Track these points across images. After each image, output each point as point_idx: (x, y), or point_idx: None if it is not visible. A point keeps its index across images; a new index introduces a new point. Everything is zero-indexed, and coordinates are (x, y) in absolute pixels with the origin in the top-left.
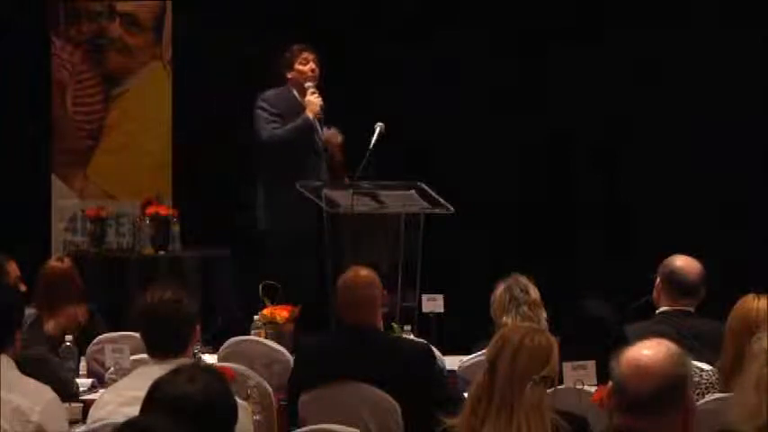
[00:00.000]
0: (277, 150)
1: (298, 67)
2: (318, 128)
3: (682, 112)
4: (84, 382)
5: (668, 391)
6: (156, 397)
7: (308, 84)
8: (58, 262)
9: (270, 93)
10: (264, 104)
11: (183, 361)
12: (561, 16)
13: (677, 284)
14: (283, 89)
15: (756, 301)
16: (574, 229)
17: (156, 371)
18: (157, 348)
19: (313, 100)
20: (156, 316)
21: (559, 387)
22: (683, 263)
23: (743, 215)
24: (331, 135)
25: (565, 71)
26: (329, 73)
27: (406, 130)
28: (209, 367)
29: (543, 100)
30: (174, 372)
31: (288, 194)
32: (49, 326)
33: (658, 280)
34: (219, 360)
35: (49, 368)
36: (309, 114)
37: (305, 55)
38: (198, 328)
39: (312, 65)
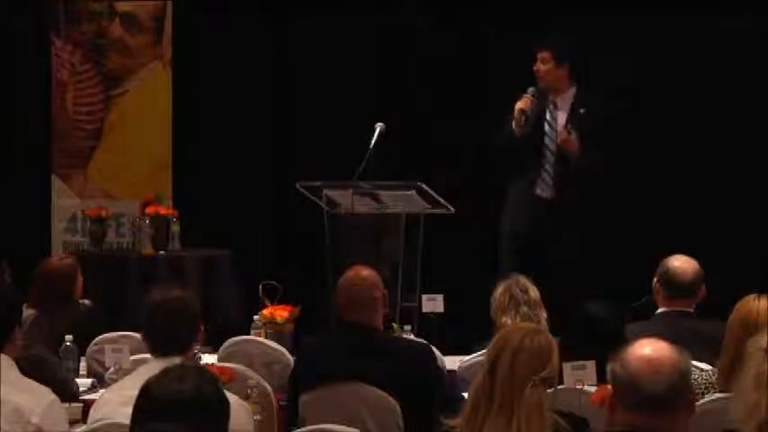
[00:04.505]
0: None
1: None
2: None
3: (682, 112)
4: (84, 382)
5: (681, 384)
6: (147, 398)
7: (531, 88)
8: (58, 260)
9: None
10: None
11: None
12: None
13: (672, 285)
14: None
15: (756, 301)
16: (573, 229)
17: (158, 369)
18: (160, 346)
19: (516, 105)
20: (160, 314)
21: (559, 387)
22: (678, 263)
23: (743, 215)
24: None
25: None
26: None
27: (406, 129)
28: (198, 365)
29: None
30: (163, 372)
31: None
32: (48, 325)
33: (655, 280)
34: (219, 360)
35: (48, 368)
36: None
37: (537, 55)
38: (201, 328)
39: (537, 65)
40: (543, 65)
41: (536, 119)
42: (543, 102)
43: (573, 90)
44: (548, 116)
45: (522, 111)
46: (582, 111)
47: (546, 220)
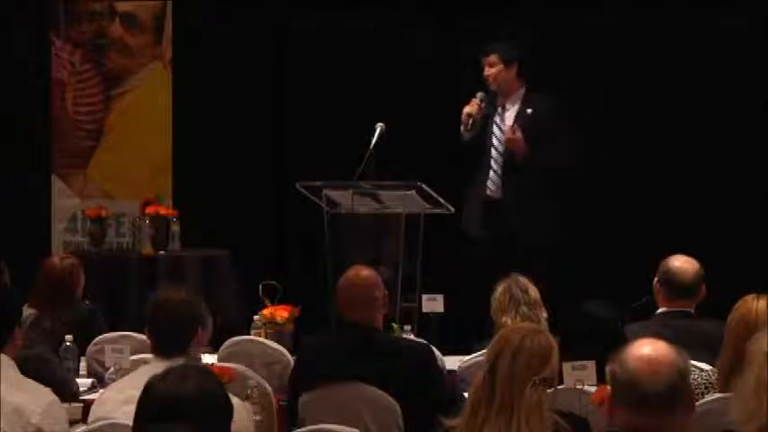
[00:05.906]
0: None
1: None
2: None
3: (681, 112)
4: (84, 382)
5: (680, 383)
6: (150, 398)
7: (480, 93)
8: (59, 260)
9: None
10: None
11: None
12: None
13: (673, 285)
14: None
15: (756, 301)
16: (573, 229)
17: (160, 369)
18: (162, 346)
19: (463, 109)
20: (163, 313)
21: (559, 387)
22: (679, 263)
23: (743, 215)
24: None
25: (564, 65)
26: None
27: (406, 129)
28: (200, 365)
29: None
30: (166, 372)
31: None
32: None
33: (656, 280)
34: (219, 360)
35: (49, 368)
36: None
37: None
38: (201, 329)
39: (486, 69)
40: (492, 68)
41: (485, 121)
42: (492, 107)
43: (522, 91)
44: (497, 118)
45: (469, 115)
46: (529, 111)
47: (496, 221)
